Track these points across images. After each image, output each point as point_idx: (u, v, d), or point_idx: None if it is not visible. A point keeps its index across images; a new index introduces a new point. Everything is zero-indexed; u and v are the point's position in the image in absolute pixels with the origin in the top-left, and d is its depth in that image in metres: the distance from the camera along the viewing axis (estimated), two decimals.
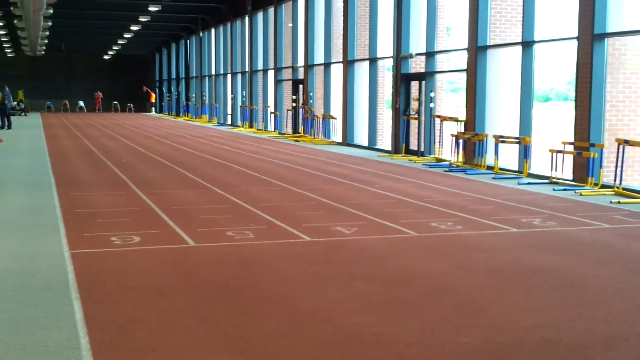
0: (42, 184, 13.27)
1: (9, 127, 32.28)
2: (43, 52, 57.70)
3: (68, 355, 4.65)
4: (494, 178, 14.67)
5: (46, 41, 49.21)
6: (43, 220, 9.52)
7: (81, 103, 62.37)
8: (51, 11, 32.09)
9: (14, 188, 12.82)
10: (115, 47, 60.12)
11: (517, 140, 15.17)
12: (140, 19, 42.55)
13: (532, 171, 14.94)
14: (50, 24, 37.07)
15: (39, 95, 62.32)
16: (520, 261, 7.47)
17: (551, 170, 13.94)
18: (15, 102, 47.30)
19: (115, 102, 62.79)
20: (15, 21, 36.75)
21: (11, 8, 31.45)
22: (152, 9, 37.73)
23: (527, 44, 15.52)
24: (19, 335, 5.03)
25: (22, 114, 49.86)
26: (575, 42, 13.89)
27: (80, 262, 7.16)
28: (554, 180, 13.79)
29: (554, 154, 13.88)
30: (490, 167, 15.96)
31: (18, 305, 5.74)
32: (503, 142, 15.47)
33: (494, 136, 15.69)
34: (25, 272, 6.80)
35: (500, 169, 15.64)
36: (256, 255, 7.63)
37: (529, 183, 13.80)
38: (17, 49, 56.98)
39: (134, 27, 46.29)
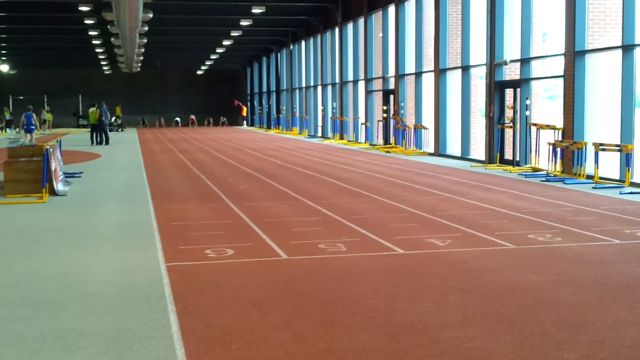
0: (138, 198, 13.60)
1: (107, 142, 33.31)
2: (139, 69, 59.49)
3: None
4: (594, 188, 14.18)
5: (141, 58, 50.75)
6: (140, 233, 9.73)
7: (177, 118, 64.32)
8: (146, 28, 33.10)
9: (112, 202, 13.17)
10: (207, 62, 61.48)
11: (619, 148, 14.63)
12: (232, 34, 43.32)
13: (635, 180, 14.37)
14: (145, 41, 38.17)
15: (135, 111, 64.40)
16: (624, 274, 7.15)
17: None
18: (113, 118, 48.91)
19: (209, 117, 64.14)
20: (112, 39, 38.09)
21: (108, 26, 32.59)
22: (244, 23, 38.37)
23: (627, 48, 14.98)
24: (118, 347, 5.11)
25: (119, 129, 51.51)
26: None
27: (176, 274, 7.26)
28: None
29: None
30: (589, 177, 15.45)
31: (116, 316, 5.85)
32: (603, 150, 14.95)
33: (594, 144, 15.19)
34: (123, 284, 6.94)
35: (601, 178, 15.12)
36: (349, 268, 7.57)
37: (631, 192, 13.27)
38: (114, 66, 58.97)
39: (226, 42, 47.18)
